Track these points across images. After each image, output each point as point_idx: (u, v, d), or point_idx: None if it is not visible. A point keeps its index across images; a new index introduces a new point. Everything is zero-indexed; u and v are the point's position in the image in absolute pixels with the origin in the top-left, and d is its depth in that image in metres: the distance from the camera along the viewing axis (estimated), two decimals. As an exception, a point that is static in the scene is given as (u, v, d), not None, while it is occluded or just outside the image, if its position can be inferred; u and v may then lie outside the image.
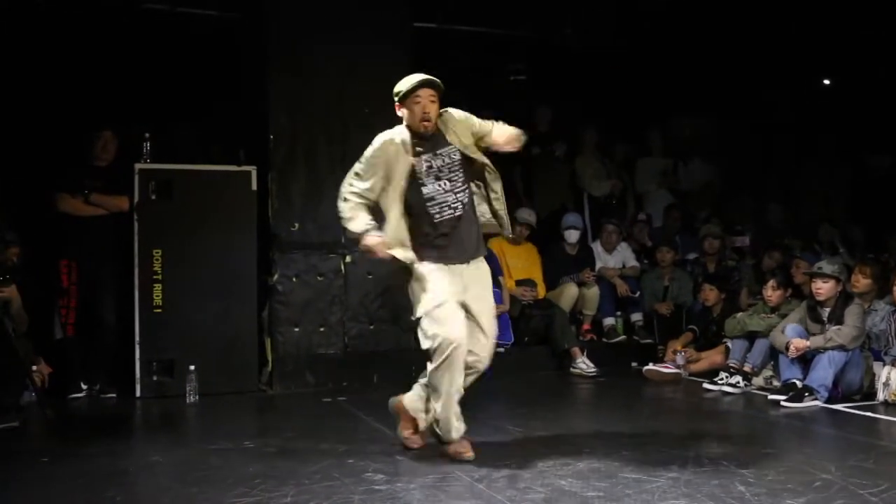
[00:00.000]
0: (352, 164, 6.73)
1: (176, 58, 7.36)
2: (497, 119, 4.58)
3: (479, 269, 4.55)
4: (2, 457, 4.59)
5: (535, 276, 8.08)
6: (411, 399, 4.60)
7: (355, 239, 4.50)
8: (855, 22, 8.05)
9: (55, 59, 7.14)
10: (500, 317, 7.42)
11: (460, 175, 4.46)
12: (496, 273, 7.62)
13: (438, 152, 4.45)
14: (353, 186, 4.48)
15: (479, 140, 4.54)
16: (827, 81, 9.70)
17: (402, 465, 4.37)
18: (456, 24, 7.98)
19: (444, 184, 4.43)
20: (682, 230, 9.33)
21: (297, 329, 6.88)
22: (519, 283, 7.89)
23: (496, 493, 3.84)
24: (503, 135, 4.53)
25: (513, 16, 8.00)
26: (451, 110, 4.54)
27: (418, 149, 4.44)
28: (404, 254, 4.37)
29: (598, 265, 8.43)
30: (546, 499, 3.73)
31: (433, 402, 4.41)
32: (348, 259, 6.96)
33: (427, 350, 4.33)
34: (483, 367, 4.50)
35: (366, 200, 4.45)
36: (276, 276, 6.85)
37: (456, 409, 4.37)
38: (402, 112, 4.47)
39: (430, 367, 4.34)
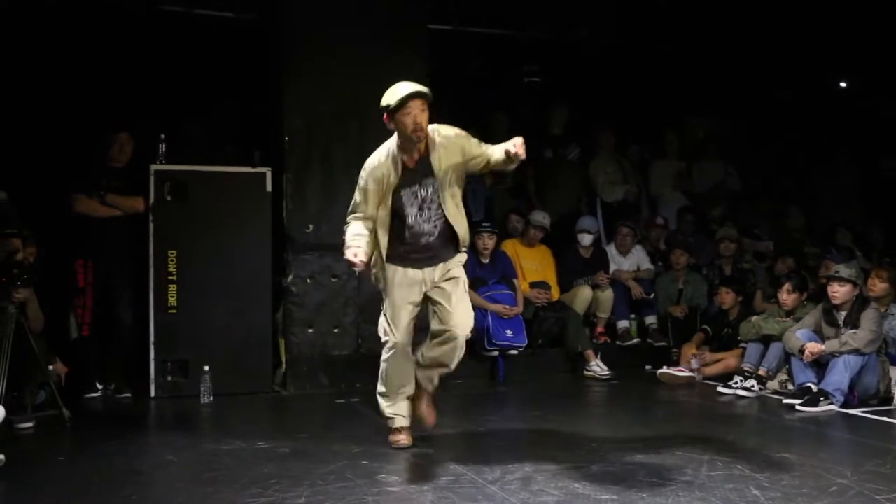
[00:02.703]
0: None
1: (192, 60, 7.39)
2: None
3: (445, 266, 4.65)
4: (19, 455, 4.60)
5: (549, 278, 8.07)
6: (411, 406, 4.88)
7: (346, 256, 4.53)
8: (869, 25, 8.01)
9: (72, 61, 7.17)
10: (513, 319, 7.46)
11: (437, 205, 4.54)
12: (511, 275, 7.67)
13: (423, 182, 4.50)
14: (355, 213, 4.64)
15: (473, 161, 4.56)
16: (843, 84, 9.65)
17: (415, 466, 4.38)
18: (471, 27, 7.99)
19: (424, 213, 4.54)
20: (695, 232, 9.30)
21: (310, 330, 6.89)
22: (533, 285, 7.89)
23: (509, 495, 3.85)
24: (501, 151, 4.43)
25: (527, 18, 8.00)
26: (440, 128, 4.55)
27: (405, 178, 4.49)
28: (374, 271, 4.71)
29: (613, 268, 8.41)
30: (559, 502, 3.74)
31: (380, 386, 4.84)
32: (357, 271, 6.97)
33: (383, 337, 4.70)
34: (457, 334, 4.59)
35: (365, 220, 4.61)
36: (290, 278, 6.87)
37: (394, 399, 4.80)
38: (392, 125, 4.47)
39: (382, 355, 4.74)
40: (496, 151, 4.48)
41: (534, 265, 8.09)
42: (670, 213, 9.54)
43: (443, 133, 4.55)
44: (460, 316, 4.61)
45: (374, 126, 6.85)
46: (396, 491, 3.92)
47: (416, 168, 4.52)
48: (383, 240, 4.60)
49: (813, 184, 10.10)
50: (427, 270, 4.63)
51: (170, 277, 6.61)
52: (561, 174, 9.14)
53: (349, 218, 4.65)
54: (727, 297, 7.60)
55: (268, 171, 6.82)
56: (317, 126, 6.91)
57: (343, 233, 4.62)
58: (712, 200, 9.84)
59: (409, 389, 4.80)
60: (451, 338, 4.60)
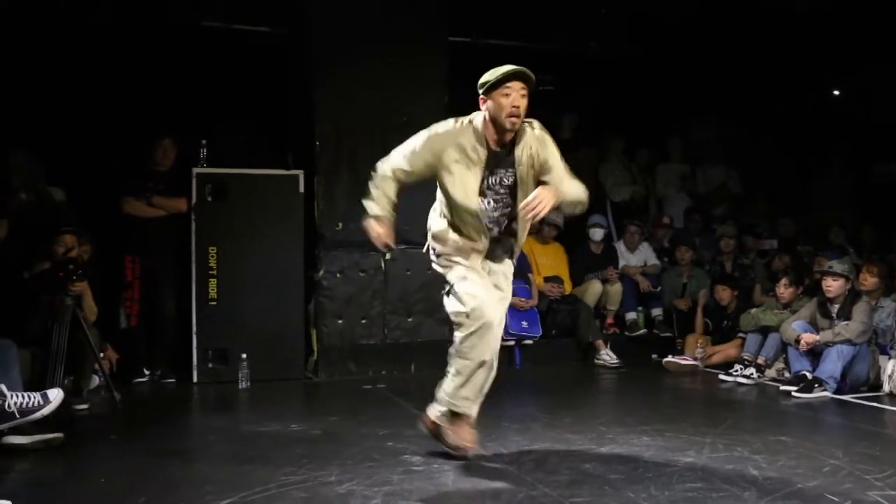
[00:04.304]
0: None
1: (230, 71, 7.41)
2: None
3: (502, 265, 4.14)
4: (75, 435, 4.64)
5: (562, 273, 8.09)
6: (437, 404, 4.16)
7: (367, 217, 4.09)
8: (863, 37, 7.96)
9: (122, 74, 7.21)
10: (528, 311, 7.49)
11: (507, 201, 3.98)
12: (526, 270, 7.69)
13: (499, 171, 3.92)
14: (394, 168, 4.00)
15: (541, 173, 3.94)
16: (836, 92, 9.59)
17: (437, 448, 4.33)
18: (489, 39, 7.99)
19: (491, 204, 3.97)
20: (701, 231, 9.30)
21: (340, 321, 6.90)
22: (547, 279, 7.91)
23: (525, 474, 3.87)
24: (568, 194, 3.92)
25: (542, 30, 7.98)
26: (535, 123, 3.98)
27: (487, 158, 3.88)
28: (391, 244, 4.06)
29: (622, 263, 8.42)
30: (571, 481, 3.75)
31: (449, 376, 3.96)
32: (388, 256, 6.98)
33: (459, 315, 3.88)
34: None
35: (400, 181, 4.01)
36: (321, 272, 6.88)
37: (470, 386, 3.91)
38: (486, 105, 3.83)
39: (458, 335, 3.87)
40: (563, 185, 3.93)
41: (548, 261, 8.11)
42: (675, 212, 9.54)
43: (538, 129, 3.96)
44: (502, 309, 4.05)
45: (398, 131, 6.93)
46: (420, 470, 3.92)
47: (499, 152, 3.90)
48: (443, 221, 4.02)
49: (810, 186, 10.05)
50: (486, 263, 4.06)
51: (210, 272, 6.64)
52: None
53: (385, 168, 4.00)
54: (724, 294, 7.61)
55: (300, 173, 6.84)
56: (345, 131, 6.91)
57: (368, 190, 4.06)
58: (715, 201, 9.83)
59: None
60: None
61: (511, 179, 3.92)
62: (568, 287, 8.01)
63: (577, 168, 9.25)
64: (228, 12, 7.17)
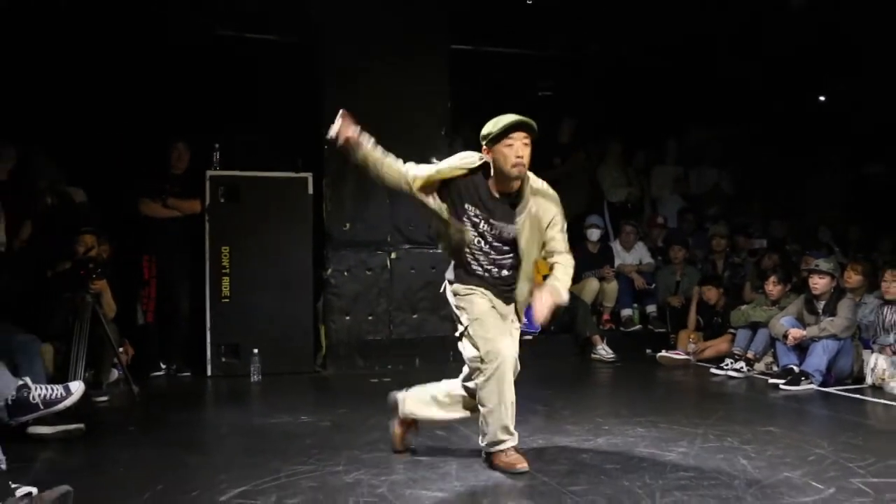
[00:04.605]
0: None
1: (243, 77, 7.42)
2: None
3: (509, 308, 3.95)
4: (96, 425, 4.68)
5: (560, 271, 8.09)
6: (414, 400, 4.05)
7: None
8: (851, 43, 7.98)
9: (138, 81, 7.24)
10: (528, 308, 7.50)
11: (505, 245, 3.81)
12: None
13: (499, 221, 3.74)
14: (412, 173, 3.79)
15: (540, 233, 3.81)
16: (822, 98, 9.60)
17: (441, 439, 4.38)
18: (490, 46, 8.01)
19: (490, 253, 3.80)
20: (694, 231, 9.32)
21: (347, 318, 6.92)
22: (545, 277, 7.90)
23: (524, 464, 3.88)
24: (565, 286, 3.87)
25: (542, 38, 8.00)
26: (542, 182, 3.83)
27: (487, 203, 3.73)
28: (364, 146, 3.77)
29: (617, 262, 8.44)
30: (569, 471, 3.77)
31: (483, 415, 3.76)
32: (394, 256, 7.01)
33: (474, 359, 3.74)
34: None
35: (407, 172, 3.79)
36: (329, 271, 6.90)
37: (504, 422, 3.72)
38: (489, 157, 3.68)
39: (479, 380, 3.71)
40: (556, 269, 3.90)
41: (547, 260, 8.12)
42: (669, 213, 9.55)
43: (544, 186, 3.81)
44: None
45: (404, 134, 6.95)
46: (424, 460, 3.94)
47: (499, 201, 3.74)
48: (457, 256, 3.83)
49: (800, 188, 10.05)
50: (506, 306, 3.89)
51: (223, 270, 6.67)
52: (571, 180, 9.14)
53: (406, 170, 3.79)
54: (711, 293, 7.65)
55: (309, 175, 6.87)
56: (352, 136, 6.95)
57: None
58: (707, 202, 9.85)
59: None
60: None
61: (510, 233, 3.77)
62: (566, 284, 8.01)
63: (575, 170, 9.38)
64: (241, 22, 7.20)
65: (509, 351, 3.75)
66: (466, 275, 3.82)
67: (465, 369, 3.88)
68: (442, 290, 3.99)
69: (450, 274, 3.92)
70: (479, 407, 3.75)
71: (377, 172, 3.82)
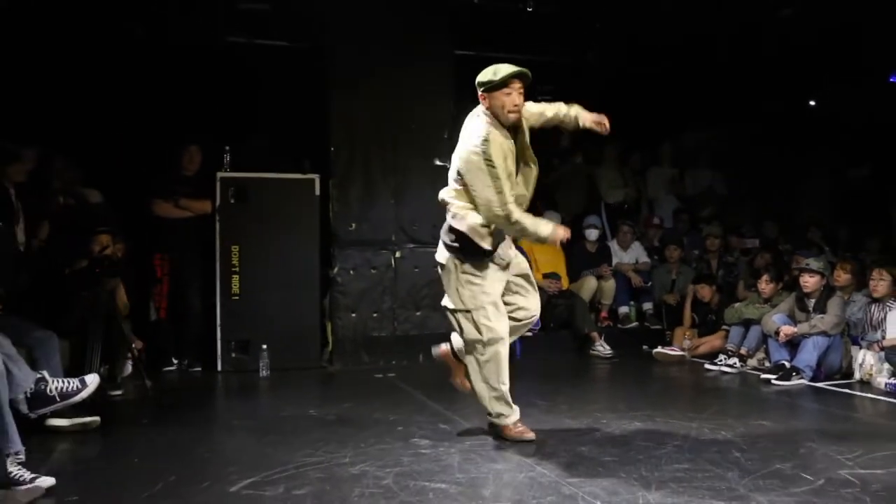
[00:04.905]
0: (401, 173, 6.90)
1: (253, 82, 7.43)
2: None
3: (511, 246, 4.13)
4: (110, 418, 4.70)
5: (559, 270, 8.10)
6: (458, 346, 4.22)
7: (546, 236, 3.90)
8: (836, 50, 7.98)
9: (152, 86, 7.25)
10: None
11: (520, 184, 3.99)
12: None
13: (519, 146, 3.95)
14: (510, 202, 3.80)
15: (541, 124, 4.06)
16: (812, 102, 9.60)
17: (444, 432, 4.40)
18: (492, 52, 7.99)
19: (520, 178, 3.97)
20: (689, 231, 9.32)
21: (353, 315, 6.93)
22: (545, 276, 7.92)
23: (525, 457, 3.89)
24: (584, 117, 4.16)
25: (542, 43, 7.99)
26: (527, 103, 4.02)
27: (512, 143, 3.90)
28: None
29: (615, 261, 8.44)
30: (568, 463, 3.78)
31: (483, 392, 4.05)
32: (398, 255, 7.01)
33: (474, 341, 3.97)
34: (536, 315, 4.24)
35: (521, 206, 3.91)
36: (335, 269, 6.91)
37: (506, 397, 4.05)
38: (487, 102, 3.85)
39: (480, 358, 3.97)
40: (576, 113, 4.15)
41: (546, 258, 8.11)
42: (665, 213, 9.56)
43: (526, 110, 4.01)
44: (537, 299, 4.23)
45: (407, 138, 6.99)
46: (427, 453, 3.95)
47: (514, 133, 3.96)
48: (484, 230, 3.87)
49: (791, 189, 10.05)
50: (507, 252, 4.05)
51: (233, 269, 6.68)
52: (569, 180, 9.16)
53: (511, 210, 3.77)
54: (705, 291, 7.65)
55: (316, 177, 6.87)
56: (358, 138, 6.94)
57: (516, 230, 3.85)
58: (702, 203, 9.84)
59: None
60: (530, 318, 4.20)
61: (514, 165, 3.92)
62: (565, 283, 8.03)
63: (575, 172, 9.37)
64: (251, 29, 7.21)
65: (507, 331, 4.02)
66: (482, 255, 3.90)
67: (458, 339, 4.12)
68: (443, 258, 4.02)
69: (457, 249, 3.93)
70: (479, 383, 4.05)
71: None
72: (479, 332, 3.97)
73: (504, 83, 3.80)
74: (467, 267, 3.97)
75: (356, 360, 6.91)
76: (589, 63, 8.39)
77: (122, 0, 6.64)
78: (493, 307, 3.99)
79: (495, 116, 3.86)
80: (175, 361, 6.76)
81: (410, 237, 7.06)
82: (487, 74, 3.84)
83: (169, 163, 6.88)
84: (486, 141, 3.79)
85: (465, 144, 3.88)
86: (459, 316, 4.03)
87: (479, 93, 3.89)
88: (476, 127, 3.87)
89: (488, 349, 3.97)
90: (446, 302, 4.11)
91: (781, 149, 9.78)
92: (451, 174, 4.01)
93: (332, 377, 6.66)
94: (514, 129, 3.95)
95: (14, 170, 5.72)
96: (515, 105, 3.82)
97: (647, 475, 3.56)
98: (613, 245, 8.64)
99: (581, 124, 4.21)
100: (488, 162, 3.76)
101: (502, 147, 3.83)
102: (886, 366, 5.80)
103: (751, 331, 6.68)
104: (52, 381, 3.93)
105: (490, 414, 4.15)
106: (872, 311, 6.21)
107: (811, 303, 6.31)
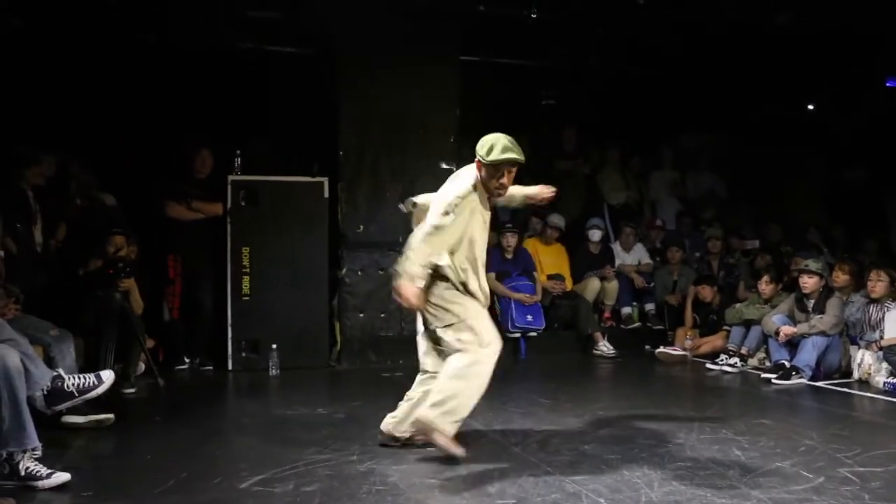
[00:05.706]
0: (409, 176, 6.89)
1: (263, 87, 7.45)
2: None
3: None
4: (124, 415, 4.72)
5: (563, 271, 8.11)
6: (437, 413, 3.82)
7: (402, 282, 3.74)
8: (834, 55, 7.96)
9: (165, 92, 7.28)
10: (533, 306, 7.52)
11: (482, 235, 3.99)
12: (530, 269, 7.72)
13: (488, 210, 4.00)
14: (435, 247, 3.77)
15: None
16: (811, 107, 9.58)
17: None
18: (497, 58, 8.02)
19: (478, 244, 3.95)
20: (690, 233, 9.31)
21: (361, 315, 6.93)
22: (550, 277, 7.93)
23: (529, 455, 3.90)
24: (525, 193, 4.25)
25: (545, 50, 8.00)
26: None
27: (488, 211, 3.98)
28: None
29: (618, 262, 8.44)
30: (571, 461, 3.78)
31: (455, 389, 3.79)
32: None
33: (471, 341, 3.83)
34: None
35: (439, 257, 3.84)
36: (344, 270, 6.91)
37: (469, 408, 3.84)
38: (480, 170, 3.87)
39: (473, 358, 3.81)
40: (522, 192, 4.26)
41: (550, 260, 8.13)
42: (667, 215, 9.54)
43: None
44: None
45: (415, 141, 6.99)
46: (433, 451, 3.92)
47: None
48: (462, 274, 3.88)
49: (789, 191, 10.03)
50: (485, 288, 4.02)
51: (244, 270, 6.68)
52: (573, 184, 9.16)
53: (428, 249, 3.75)
54: (705, 292, 7.64)
55: (325, 180, 6.88)
56: (366, 142, 6.94)
57: (408, 259, 3.74)
58: (703, 205, 9.83)
59: None
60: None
61: (480, 231, 3.94)
62: (569, 284, 8.03)
63: (578, 175, 9.37)
64: (262, 35, 7.23)
65: (499, 346, 3.93)
66: (460, 287, 3.88)
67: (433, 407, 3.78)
68: (412, 288, 3.77)
69: (429, 280, 3.85)
70: (456, 380, 3.78)
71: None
72: (476, 334, 3.84)
73: (503, 164, 3.82)
74: (447, 294, 3.89)
75: (364, 359, 6.91)
76: (591, 67, 8.40)
77: (137, 10, 6.67)
78: (487, 320, 3.93)
79: (482, 184, 3.90)
80: (187, 360, 6.76)
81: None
82: (485, 147, 3.83)
83: (181, 167, 6.88)
84: (462, 197, 3.78)
85: (446, 193, 3.89)
86: (452, 330, 3.87)
87: (477, 159, 3.88)
88: (462, 182, 3.89)
89: (486, 350, 3.82)
90: (435, 324, 3.91)
91: (780, 152, 9.77)
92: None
93: (341, 376, 6.67)
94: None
95: (32, 173, 5.76)
96: (503, 186, 3.89)
97: (650, 473, 3.56)
98: (616, 247, 8.64)
99: (525, 196, 4.32)
100: (453, 210, 3.74)
101: (474, 209, 3.85)
102: (885, 365, 5.80)
103: (751, 331, 6.67)
104: (69, 378, 3.95)
105: (440, 404, 3.76)
106: (870, 311, 6.20)
107: (810, 303, 6.30)
